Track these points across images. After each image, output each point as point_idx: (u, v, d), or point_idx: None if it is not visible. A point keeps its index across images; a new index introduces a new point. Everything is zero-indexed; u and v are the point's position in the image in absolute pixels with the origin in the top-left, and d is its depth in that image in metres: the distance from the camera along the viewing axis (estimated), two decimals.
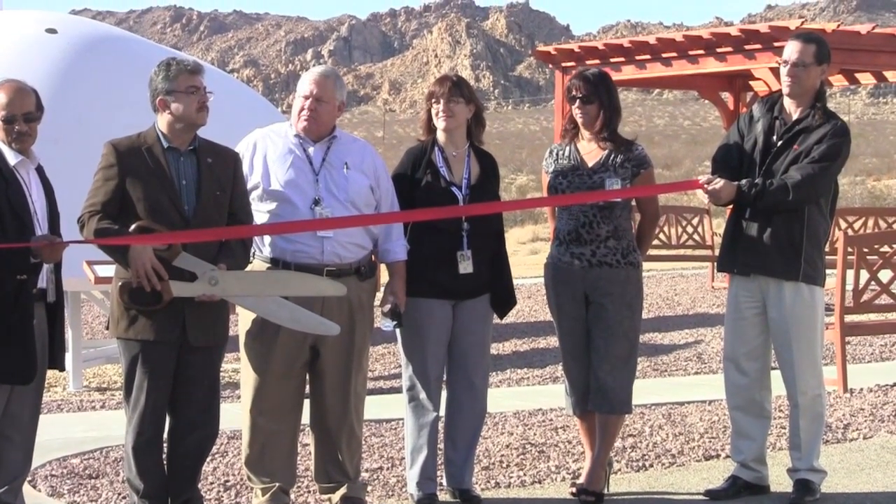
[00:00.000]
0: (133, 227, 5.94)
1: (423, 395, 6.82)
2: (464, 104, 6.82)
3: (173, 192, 6.09)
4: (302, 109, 6.54)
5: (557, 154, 7.02)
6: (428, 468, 6.83)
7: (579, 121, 6.93)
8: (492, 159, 7.02)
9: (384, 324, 6.70)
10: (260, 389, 6.48)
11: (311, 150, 6.54)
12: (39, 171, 6.09)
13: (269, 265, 6.45)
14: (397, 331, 6.80)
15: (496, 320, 7.05)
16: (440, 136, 6.87)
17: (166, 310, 6.01)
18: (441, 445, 7.03)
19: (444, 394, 6.95)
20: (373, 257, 6.69)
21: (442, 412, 6.95)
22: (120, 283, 6.07)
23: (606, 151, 6.89)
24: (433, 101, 6.84)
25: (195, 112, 6.15)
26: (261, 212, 6.47)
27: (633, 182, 6.87)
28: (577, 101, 6.88)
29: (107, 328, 6.46)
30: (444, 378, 6.94)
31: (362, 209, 6.54)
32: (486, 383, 7.02)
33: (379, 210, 6.63)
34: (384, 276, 6.87)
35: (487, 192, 6.88)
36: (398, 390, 6.98)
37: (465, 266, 6.74)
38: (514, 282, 7.06)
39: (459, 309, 6.82)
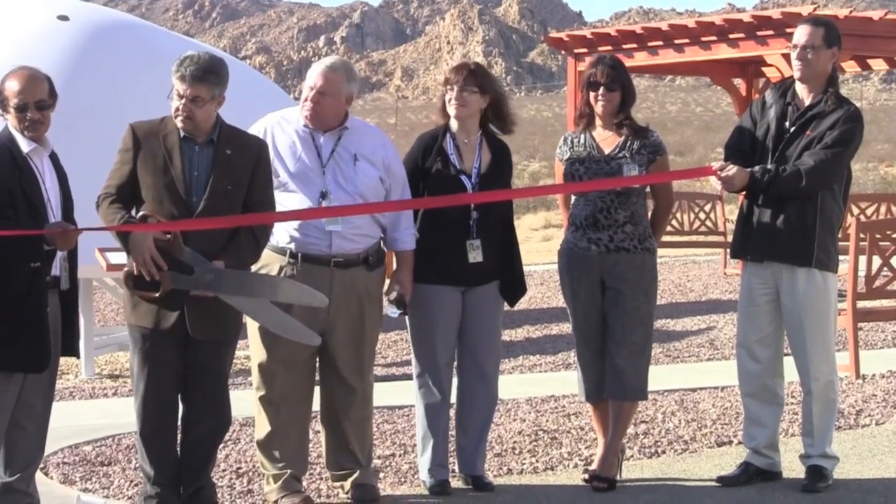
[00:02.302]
0: (139, 215, 5.95)
1: (432, 382, 6.81)
2: (478, 94, 6.80)
3: (181, 181, 6.05)
4: (306, 100, 6.50)
5: (573, 142, 7.00)
6: (439, 455, 6.83)
7: (600, 107, 6.87)
8: (505, 148, 6.99)
9: (390, 311, 6.72)
10: (270, 378, 6.49)
11: (320, 140, 6.52)
12: (53, 158, 6.06)
13: (277, 254, 6.44)
14: (407, 318, 6.81)
15: (508, 307, 7.04)
16: (452, 123, 6.86)
17: (168, 299, 6.01)
18: (453, 432, 7.03)
19: (455, 381, 6.96)
20: (381, 244, 6.69)
21: (453, 399, 6.95)
22: (125, 270, 6.09)
23: (623, 138, 6.88)
24: (448, 87, 6.82)
25: (173, 115, 6.09)
26: None
27: (648, 168, 6.86)
28: (602, 87, 6.84)
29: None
30: (455, 365, 6.94)
31: (371, 201, 6.51)
32: (497, 371, 7.01)
33: (389, 199, 6.60)
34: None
35: (498, 181, 6.85)
36: (410, 377, 6.98)
37: (475, 255, 6.73)
38: (527, 269, 7.05)
39: (469, 296, 6.81)
